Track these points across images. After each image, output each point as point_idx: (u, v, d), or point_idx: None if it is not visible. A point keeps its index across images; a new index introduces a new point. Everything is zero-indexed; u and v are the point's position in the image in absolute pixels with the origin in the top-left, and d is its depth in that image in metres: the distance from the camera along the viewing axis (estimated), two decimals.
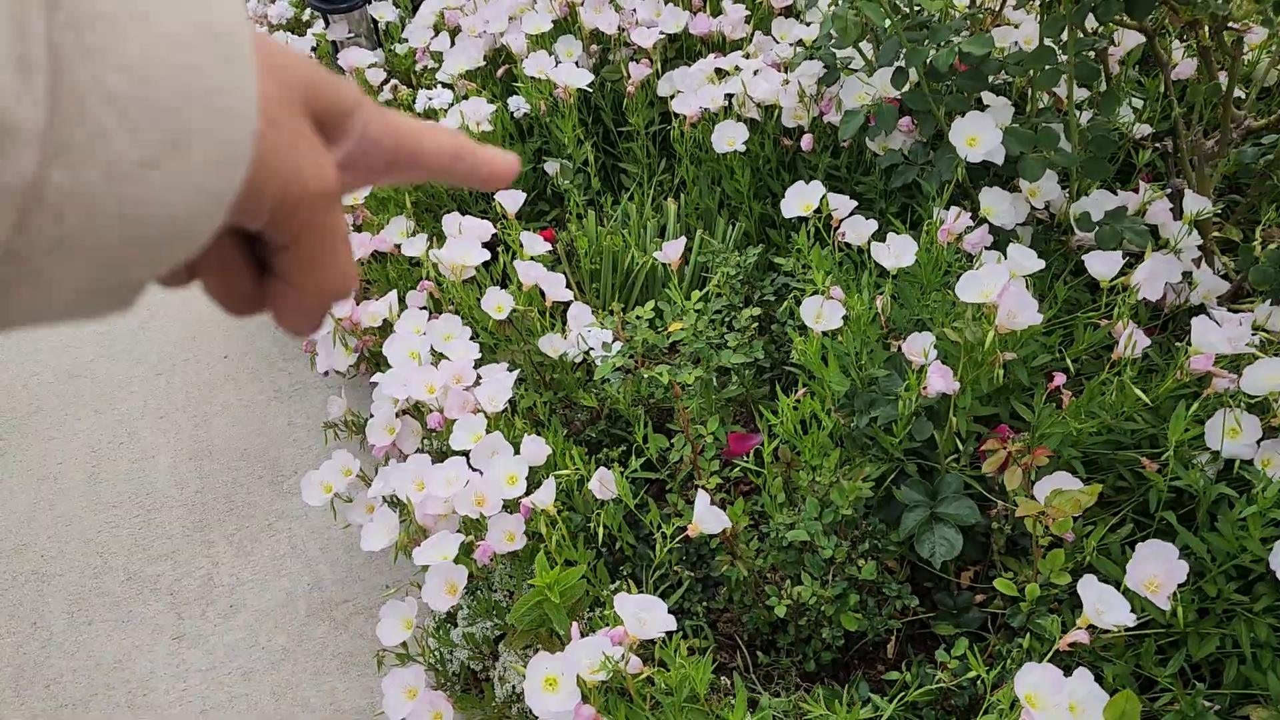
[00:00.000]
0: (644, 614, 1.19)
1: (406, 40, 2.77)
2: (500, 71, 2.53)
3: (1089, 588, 1.12)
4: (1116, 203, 1.73)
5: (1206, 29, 1.71)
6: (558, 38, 2.47)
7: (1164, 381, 1.40)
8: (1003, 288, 1.35)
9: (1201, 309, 1.65)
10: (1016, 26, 2.11)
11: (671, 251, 1.79)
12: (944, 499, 1.43)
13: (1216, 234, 1.80)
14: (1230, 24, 1.68)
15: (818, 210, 1.75)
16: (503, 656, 1.51)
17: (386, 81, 2.67)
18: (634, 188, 2.38)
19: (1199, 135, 1.80)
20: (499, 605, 1.56)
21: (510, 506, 1.49)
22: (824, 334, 1.57)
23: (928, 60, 1.68)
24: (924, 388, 1.37)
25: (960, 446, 1.47)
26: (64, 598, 1.92)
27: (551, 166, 2.35)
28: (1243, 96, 2.05)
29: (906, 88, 1.79)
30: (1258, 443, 1.33)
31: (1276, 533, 1.21)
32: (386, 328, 1.94)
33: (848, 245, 1.73)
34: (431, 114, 2.40)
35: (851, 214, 1.72)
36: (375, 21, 2.94)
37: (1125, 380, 1.37)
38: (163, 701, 1.73)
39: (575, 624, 1.26)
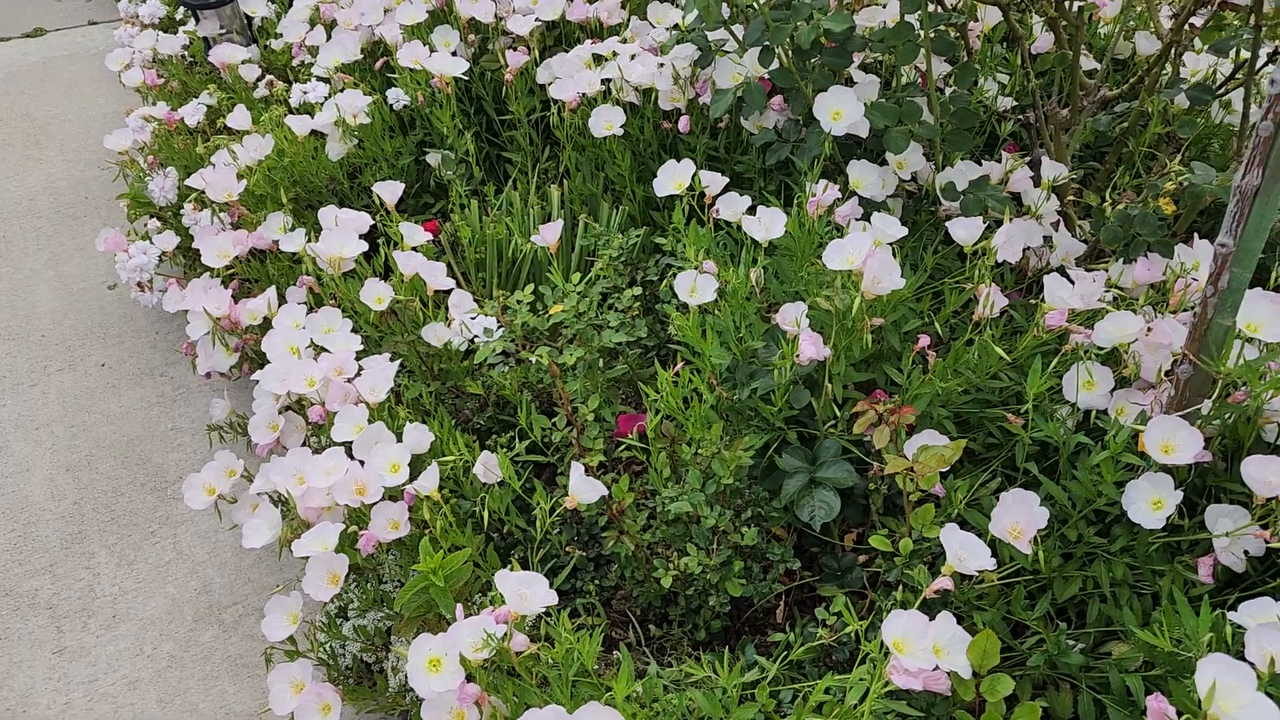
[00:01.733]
0: (524, 590, 1.19)
1: (282, 35, 2.71)
2: (378, 64, 2.49)
3: (951, 536, 1.16)
4: (980, 173, 1.79)
5: (1050, 1, 1.78)
6: (434, 28, 2.45)
7: (1024, 339, 1.46)
8: (866, 254, 1.39)
9: (1061, 270, 1.71)
10: (883, 6, 2.16)
11: (549, 235, 1.80)
12: (823, 463, 1.46)
13: (1074, 199, 1.88)
14: None
15: (691, 188, 1.77)
16: (394, 646, 1.50)
17: (262, 77, 2.61)
18: (517, 176, 2.38)
19: (1055, 105, 1.87)
20: (388, 596, 1.54)
21: (394, 494, 1.48)
22: (702, 309, 1.59)
23: (792, 37, 1.72)
24: (797, 355, 1.40)
25: (838, 413, 1.51)
26: None
27: (433, 158, 2.33)
28: (1098, 68, 2.14)
29: (775, 65, 1.82)
30: (1111, 392, 1.39)
31: (1129, 476, 1.27)
32: (267, 325, 1.90)
33: (726, 223, 1.76)
34: (307, 108, 2.36)
35: (726, 190, 1.75)
36: (249, 18, 2.87)
37: (986, 339, 1.42)
38: (45, 716, 1.67)
39: (460, 606, 1.25)
